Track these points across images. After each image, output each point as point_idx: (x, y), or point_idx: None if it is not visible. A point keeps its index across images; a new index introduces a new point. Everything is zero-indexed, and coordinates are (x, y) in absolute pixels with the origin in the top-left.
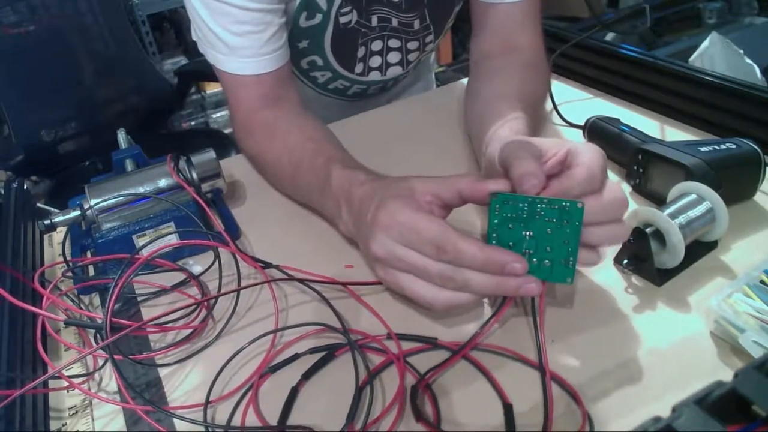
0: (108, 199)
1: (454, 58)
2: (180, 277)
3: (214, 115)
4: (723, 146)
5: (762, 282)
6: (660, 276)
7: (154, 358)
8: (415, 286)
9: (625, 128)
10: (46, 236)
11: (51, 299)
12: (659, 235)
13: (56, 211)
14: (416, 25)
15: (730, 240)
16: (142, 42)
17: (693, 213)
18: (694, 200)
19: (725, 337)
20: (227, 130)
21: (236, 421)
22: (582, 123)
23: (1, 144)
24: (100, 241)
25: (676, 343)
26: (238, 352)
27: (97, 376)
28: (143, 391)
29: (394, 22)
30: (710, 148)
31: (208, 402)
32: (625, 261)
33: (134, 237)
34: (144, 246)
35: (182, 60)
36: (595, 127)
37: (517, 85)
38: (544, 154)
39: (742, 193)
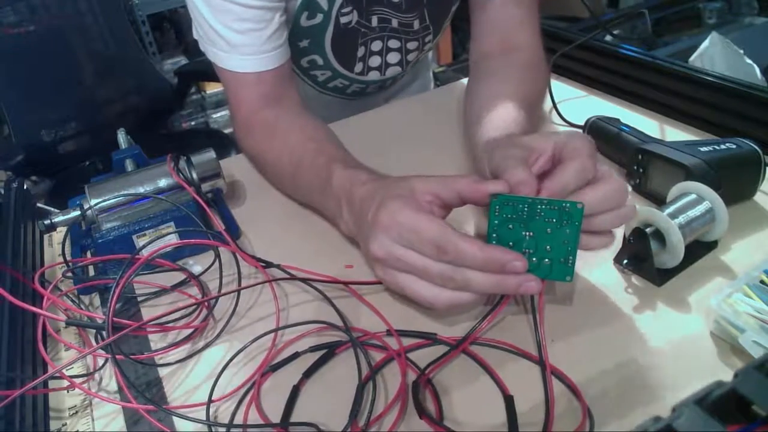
0: (108, 199)
1: (454, 58)
2: (180, 277)
3: (214, 115)
4: (723, 146)
5: (762, 282)
6: (660, 276)
7: (154, 358)
8: (415, 287)
9: (625, 128)
10: (46, 236)
11: (51, 299)
12: (659, 235)
13: (56, 211)
14: (416, 25)
15: (730, 240)
16: (142, 42)
17: (693, 213)
18: (694, 200)
19: (725, 337)
20: (227, 130)
21: (238, 419)
22: (582, 123)
23: (1, 144)
24: (100, 241)
25: (676, 343)
26: (240, 350)
27: (97, 376)
28: (144, 391)
29: (394, 23)
30: (710, 148)
31: (210, 401)
32: (625, 261)
33: (134, 237)
34: (144, 246)
35: (182, 60)
36: (595, 127)
37: (516, 85)
38: (531, 153)
39: (742, 193)
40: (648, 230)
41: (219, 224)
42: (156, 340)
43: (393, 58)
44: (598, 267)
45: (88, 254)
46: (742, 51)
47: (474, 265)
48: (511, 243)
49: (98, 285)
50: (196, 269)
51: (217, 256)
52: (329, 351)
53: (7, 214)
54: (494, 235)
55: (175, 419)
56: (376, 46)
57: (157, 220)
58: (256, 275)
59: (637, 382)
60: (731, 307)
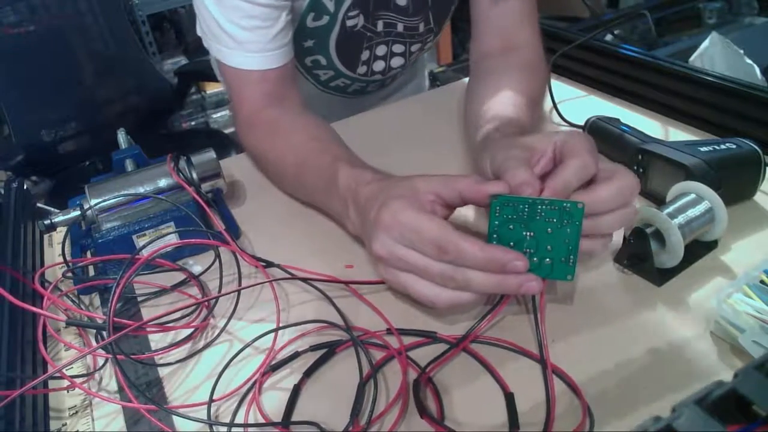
0: (108, 199)
1: (454, 58)
2: (180, 277)
3: (214, 115)
4: (723, 146)
5: (762, 282)
6: (660, 276)
7: (154, 358)
8: (417, 286)
9: (625, 128)
10: (46, 236)
11: (51, 299)
12: (659, 235)
13: (56, 211)
14: (421, 27)
15: (730, 240)
16: (142, 42)
17: (692, 212)
18: (693, 200)
19: (725, 337)
20: (227, 130)
21: (239, 419)
22: (582, 123)
23: (1, 144)
24: (100, 241)
25: (676, 343)
26: (241, 350)
27: (97, 376)
28: (144, 391)
29: (400, 27)
30: (710, 148)
31: (211, 400)
32: (625, 261)
33: (134, 237)
34: (144, 246)
35: (182, 60)
36: (595, 127)
37: (516, 84)
38: (532, 153)
39: (742, 193)
40: (648, 230)
41: (219, 224)
42: (156, 340)
43: (397, 61)
44: (598, 267)
45: (88, 254)
46: (742, 51)
47: (475, 265)
48: (511, 243)
49: (98, 285)
50: (196, 269)
51: (217, 256)
52: (330, 350)
53: (7, 214)
54: (495, 235)
55: (176, 419)
56: (381, 50)
57: (157, 220)
58: (257, 275)
59: (637, 382)
60: (731, 307)
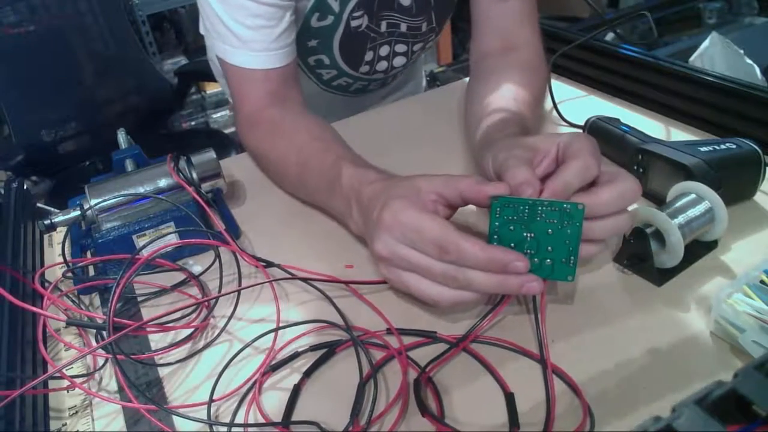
0: (108, 199)
1: (454, 58)
2: (180, 277)
3: (214, 115)
4: (723, 146)
5: (762, 282)
6: (660, 276)
7: (154, 358)
8: (420, 285)
9: (625, 128)
10: (46, 236)
11: (51, 299)
12: (659, 235)
13: (56, 211)
14: (424, 27)
15: (730, 240)
16: (142, 42)
17: (692, 212)
18: (693, 200)
19: (725, 337)
20: (227, 130)
21: (240, 419)
22: (582, 123)
23: (1, 144)
24: (100, 241)
25: (676, 343)
26: (241, 350)
27: (97, 376)
28: (144, 391)
29: (403, 27)
30: (710, 148)
31: (211, 400)
32: (625, 261)
33: (134, 237)
34: (144, 246)
35: (182, 60)
36: (595, 127)
37: (516, 84)
38: (535, 154)
39: (742, 193)
40: (648, 230)
41: (219, 224)
42: (156, 340)
43: (399, 61)
44: (598, 267)
45: (88, 254)
46: (742, 51)
47: (476, 265)
48: (512, 244)
49: (98, 285)
50: (196, 269)
51: (217, 256)
52: (330, 350)
53: (7, 214)
54: (495, 236)
55: (176, 419)
56: (384, 50)
57: (157, 220)
58: (256, 275)
59: (637, 382)
60: (731, 307)
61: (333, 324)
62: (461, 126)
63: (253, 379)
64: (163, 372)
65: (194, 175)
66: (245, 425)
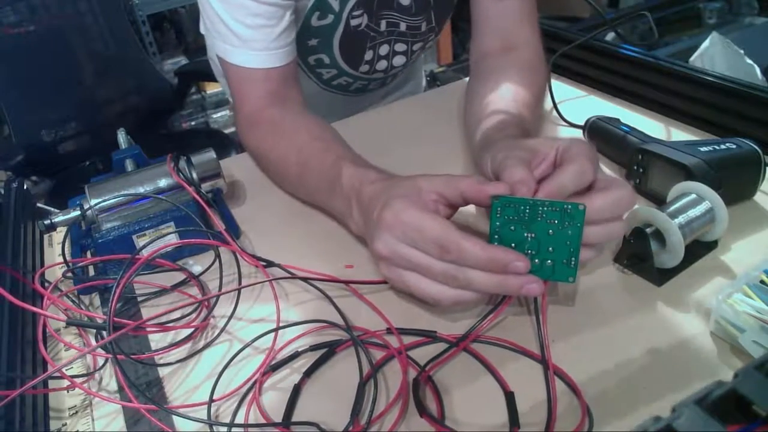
0: (108, 199)
1: (454, 58)
2: (180, 277)
3: (214, 115)
4: (723, 146)
5: (762, 282)
6: (660, 276)
7: (154, 358)
8: (420, 284)
9: (625, 128)
10: (46, 236)
11: (51, 299)
12: (659, 235)
13: (56, 211)
14: (423, 27)
15: (730, 240)
16: (142, 42)
17: (692, 213)
18: (694, 200)
19: (725, 337)
20: (227, 130)
21: (240, 419)
22: (582, 123)
23: (1, 144)
24: (100, 241)
25: (676, 343)
26: (241, 350)
27: (97, 376)
28: (144, 391)
29: (402, 27)
30: (710, 148)
31: (211, 400)
32: (625, 261)
33: (134, 237)
34: (144, 246)
35: (182, 60)
36: (595, 127)
37: (516, 84)
38: (534, 156)
39: (742, 193)
40: (648, 230)
41: (219, 224)
42: (156, 340)
43: (399, 60)
44: (598, 267)
45: (88, 254)
46: (742, 51)
47: (476, 265)
48: (513, 244)
49: (98, 285)
50: (196, 269)
51: (217, 255)
52: (330, 350)
53: (7, 214)
54: (496, 236)
55: (176, 419)
56: (384, 50)
57: (157, 220)
58: (256, 275)
59: (637, 382)
60: (731, 307)
61: (333, 324)
62: (461, 126)
63: (253, 379)
64: (163, 372)
65: (194, 175)
66: (245, 425)
